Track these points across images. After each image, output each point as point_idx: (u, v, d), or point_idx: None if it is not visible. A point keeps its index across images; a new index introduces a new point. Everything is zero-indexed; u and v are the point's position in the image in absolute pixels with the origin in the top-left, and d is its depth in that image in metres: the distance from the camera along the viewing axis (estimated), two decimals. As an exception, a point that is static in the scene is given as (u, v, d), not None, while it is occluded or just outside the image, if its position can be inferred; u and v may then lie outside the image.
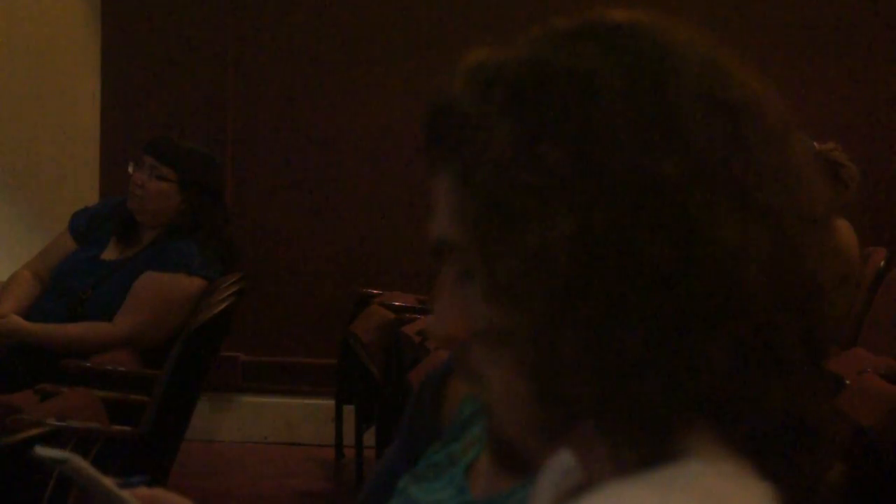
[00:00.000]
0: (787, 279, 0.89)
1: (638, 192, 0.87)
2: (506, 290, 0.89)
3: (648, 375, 0.87)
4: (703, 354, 0.87)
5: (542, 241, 0.88)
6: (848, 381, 3.71)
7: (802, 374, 0.90)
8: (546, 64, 0.91)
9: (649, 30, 0.92)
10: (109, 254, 4.37)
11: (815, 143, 4.71)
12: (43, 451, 1.47)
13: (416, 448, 1.73)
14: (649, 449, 0.88)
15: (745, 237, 0.88)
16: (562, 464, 1.01)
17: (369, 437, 5.54)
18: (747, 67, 0.94)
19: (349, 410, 5.91)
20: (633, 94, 0.89)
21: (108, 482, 1.44)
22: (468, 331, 0.94)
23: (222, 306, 4.12)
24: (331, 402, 6.10)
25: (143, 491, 1.46)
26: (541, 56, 0.91)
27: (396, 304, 5.57)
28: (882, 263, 5.19)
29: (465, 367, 0.95)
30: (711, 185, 0.88)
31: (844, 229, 4.80)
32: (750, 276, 0.88)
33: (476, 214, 0.90)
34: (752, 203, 0.89)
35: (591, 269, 0.87)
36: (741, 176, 0.89)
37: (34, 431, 3.45)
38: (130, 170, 4.39)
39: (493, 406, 0.94)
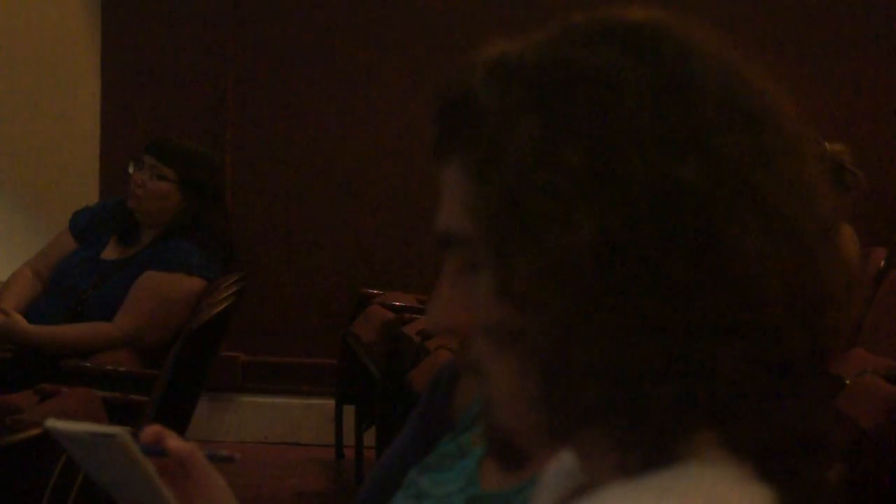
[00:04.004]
0: (801, 290, 0.89)
1: (659, 199, 0.87)
2: (520, 290, 0.89)
3: (661, 383, 0.87)
4: (716, 363, 0.87)
5: (561, 245, 0.87)
6: (848, 382, 3.70)
7: (808, 382, 0.90)
8: (569, 63, 0.90)
9: (671, 32, 0.91)
10: (109, 253, 4.37)
11: (826, 145, 4.70)
12: (90, 427, 1.45)
13: (428, 440, 1.74)
14: (653, 452, 0.88)
15: (765, 248, 0.87)
16: (564, 464, 1.01)
17: (369, 437, 5.53)
18: (764, 74, 0.93)
19: (349, 410, 5.91)
20: (656, 101, 0.88)
21: (152, 469, 1.43)
22: (472, 323, 0.93)
23: (222, 306, 4.12)
24: (331, 402, 6.10)
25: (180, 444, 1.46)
26: (563, 55, 0.90)
27: (396, 304, 5.57)
28: (882, 263, 5.19)
29: (466, 360, 0.95)
30: (733, 194, 0.87)
31: (846, 234, 4.79)
32: (768, 287, 0.87)
33: (492, 211, 0.90)
34: (772, 213, 0.88)
35: (611, 275, 0.86)
36: (762, 185, 0.88)
37: (34, 431, 3.45)
38: (131, 170, 4.39)
39: (495, 401, 0.94)
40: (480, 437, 1.63)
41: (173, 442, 1.48)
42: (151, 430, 1.48)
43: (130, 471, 1.43)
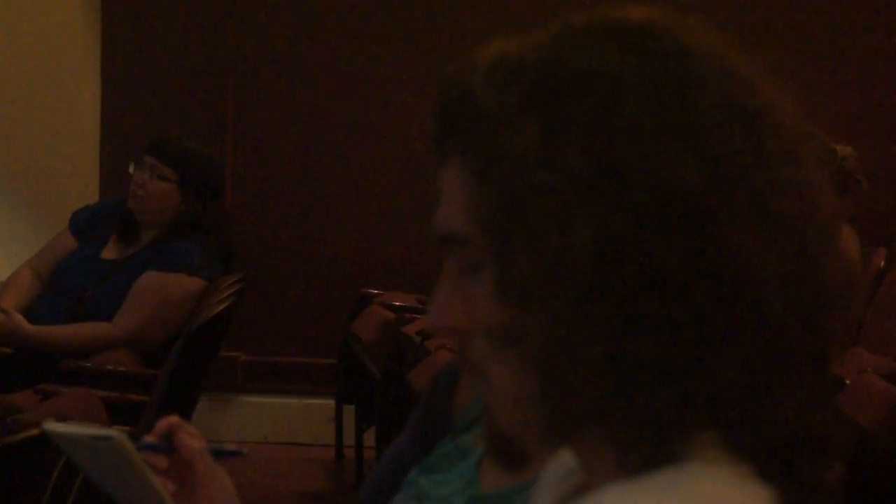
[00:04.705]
0: (800, 290, 0.89)
1: (658, 199, 0.87)
2: (520, 290, 0.89)
3: (660, 382, 0.87)
4: (715, 363, 0.87)
5: (561, 245, 0.87)
6: (848, 381, 3.70)
7: (808, 382, 0.90)
8: (569, 63, 0.90)
9: (670, 32, 0.91)
10: (109, 253, 4.37)
11: (837, 148, 4.70)
12: (86, 429, 1.45)
13: (428, 441, 1.73)
14: (653, 452, 0.88)
15: (763, 248, 0.87)
16: (563, 465, 1.01)
17: (369, 437, 5.53)
18: (763, 73, 0.93)
19: (349, 410, 5.91)
20: (656, 101, 0.88)
21: (149, 471, 1.43)
22: (472, 324, 0.93)
23: (222, 306, 4.12)
24: (331, 402, 6.10)
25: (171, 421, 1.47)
26: (563, 55, 0.90)
27: (396, 304, 5.57)
28: (882, 263, 5.19)
29: (466, 360, 0.95)
30: (732, 194, 0.87)
31: (847, 235, 4.79)
32: (767, 287, 0.87)
33: (492, 211, 0.90)
34: (771, 213, 0.88)
35: (610, 274, 0.87)
36: (761, 186, 0.88)
37: (34, 431, 3.45)
38: (131, 170, 4.39)
39: (495, 401, 0.94)
40: (480, 437, 1.63)
41: (185, 438, 1.48)
42: (167, 422, 1.48)
43: (128, 472, 1.43)
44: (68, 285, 4.30)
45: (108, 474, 1.49)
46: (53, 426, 1.46)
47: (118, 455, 1.42)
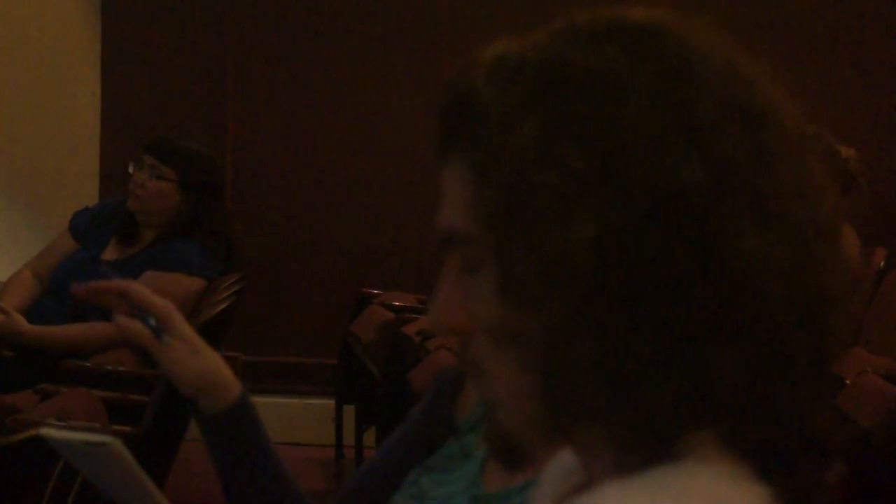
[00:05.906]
0: (801, 291, 0.89)
1: (659, 199, 0.87)
2: (520, 289, 0.89)
3: (660, 382, 0.87)
4: (715, 364, 0.87)
5: (561, 244, 0.87)
6: (848, 381, 3.70)
7: (808, 382, 0.90)
8: (570, 63, 0.90)
9: (672, 33, 0.91)
10: (110, 254, 4.37)
11: (842, 149, 4.70)
12: (82, 435, 1.46)
13: (430, 442, 1.73)
14: (652, 451, 0.88)
15: (764, 249, 0.87)
16: (564, 463, 1.02)
17: (369, 437, 5.54)
18: (766, 74, 0.93)
19: (349, 410, 5.91)
20: (657, 100, 0.88)
21: (144, 474, 1.44)
22: (473, 323, 0.93)
23: (222, 306, 4.12)
24: (331, 402, 6.10)
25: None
26: (564, 54, 0.91)
27: (396, 304, 5.57)
28: (882, 263, 5.19)
29: (467, 359, 0.95)
30: (733, 194, 0.87)
31: (847, 234, 4.78)
32: (768, 287, 0.87)
33: (493, 210, 0.90)
34: (772, 214, 0.88)
35: (610, 274, 0.87)
36: (762, 186, 0.88)
37: (34, 431, 3.45)
38: (130, 170, 4.39)
39: (495, 400, 0.94)
40: (483, 437, 1.63)
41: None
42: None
43: (124, 475, 1.44)
44: (68, 286, 4.30)
45: (105, 476, 1.49)
46: (50, 432, 1.47)
47: (113, 460, 1.43)
